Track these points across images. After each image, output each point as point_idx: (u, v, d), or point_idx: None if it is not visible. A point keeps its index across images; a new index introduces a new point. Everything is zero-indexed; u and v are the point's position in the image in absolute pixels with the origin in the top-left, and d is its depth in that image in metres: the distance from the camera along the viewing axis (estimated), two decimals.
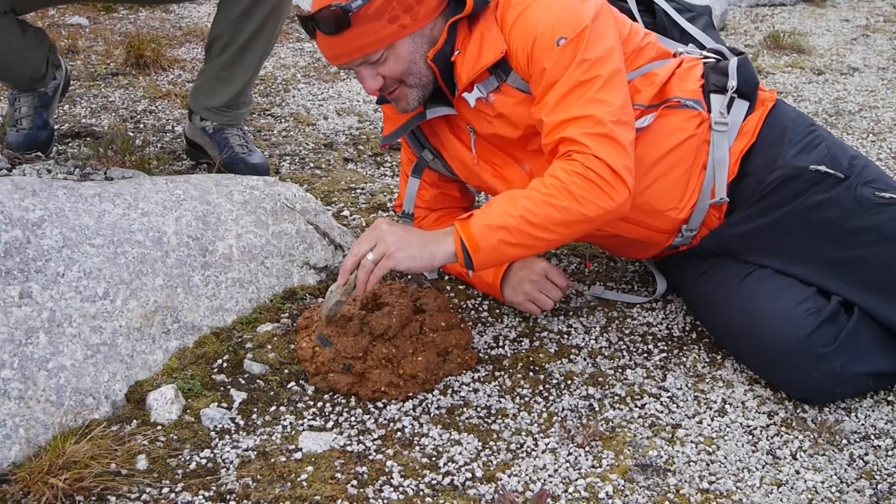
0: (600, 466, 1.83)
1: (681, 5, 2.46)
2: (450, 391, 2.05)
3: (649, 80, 2.13)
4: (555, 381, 2.10)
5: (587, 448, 1.88)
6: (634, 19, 2.36)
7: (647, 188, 2.11)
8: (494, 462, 1.84)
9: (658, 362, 2.19)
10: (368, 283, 1.93)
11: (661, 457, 1.87)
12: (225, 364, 2.08)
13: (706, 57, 2.28)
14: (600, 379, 2.11)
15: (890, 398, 2.09)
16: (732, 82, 2.16)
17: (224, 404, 1.96)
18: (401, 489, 1.75)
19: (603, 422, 1.97)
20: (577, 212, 1.89)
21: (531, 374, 2.13)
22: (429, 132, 2.32)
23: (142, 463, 1.77)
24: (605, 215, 1.93)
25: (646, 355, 2.22)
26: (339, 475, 1.77)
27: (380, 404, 1.99)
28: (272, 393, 2.01)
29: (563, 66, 1.94)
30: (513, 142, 2.15)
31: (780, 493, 1.79)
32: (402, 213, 2.45)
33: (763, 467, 1.86)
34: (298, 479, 1.75)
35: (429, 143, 2.34)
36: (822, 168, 2.07)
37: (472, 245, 1.90)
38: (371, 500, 1.71)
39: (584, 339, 2.27)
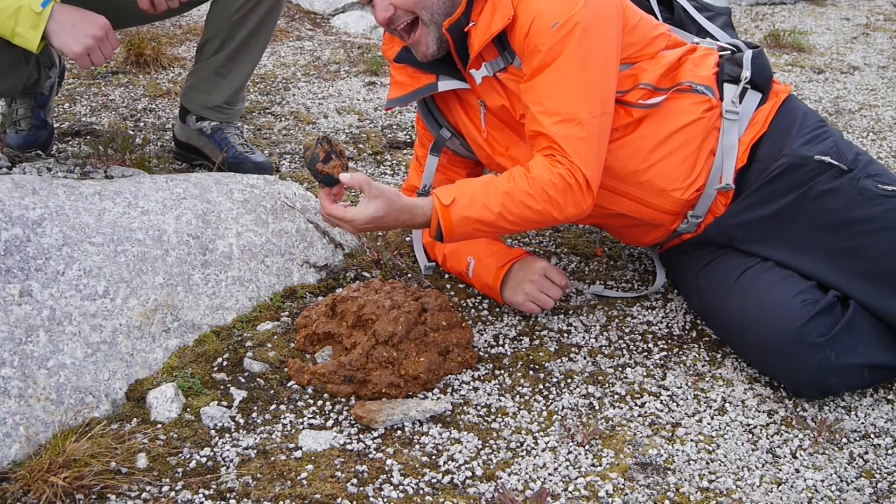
0: (600, 465, 1.84)
1: (700, 4, 2.50)
2: (450, 390, 2.05)
3: (656, 62, 2.17)
4: (555, 380, 2.10)
5: (587, 447, 1.88)
6: (654, 15, 2.38)
7: (651, 167, 2.15)
8: (494, 461, 1.84)
9: (658, 361, 2.19)
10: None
11: (661, 455, 1.87)
12: (225, 362, 2.08)
13: (722, 49, 2.30)
14: (600, 377, 2.11)
15: (890, 397, 2.09)
16: (746, 73, 2.19)
17: (224, 403, 1.96)
18: (401, 488, 1.75)
19: (603, 420, 1.97)
20: (550, 215, 2.04)
21: (531, 372, 2.13)
22: (445, 110, 2.35)
23: (142, 461, 1.77)
24: (570, 220, 2.09)
25: (646, 354, 2.22)
26: (338, 473, 1.77)
27: None
28: (272, 391, 2.01)
29: (556, 52, 1.99)
30: (518, 120, 2.19)
31: (780, 491, 1.79)
32: (423, 188, 2.45)
33: (763, 466, 1.86)
34: (298, 478, 1.75)
35: (446, 121, 2.37)
36: (827, 159, 2.08)
37: (448, 230, 2.04)
38: (371, 499, 1.72)
39: (584, 337, 2.27)
